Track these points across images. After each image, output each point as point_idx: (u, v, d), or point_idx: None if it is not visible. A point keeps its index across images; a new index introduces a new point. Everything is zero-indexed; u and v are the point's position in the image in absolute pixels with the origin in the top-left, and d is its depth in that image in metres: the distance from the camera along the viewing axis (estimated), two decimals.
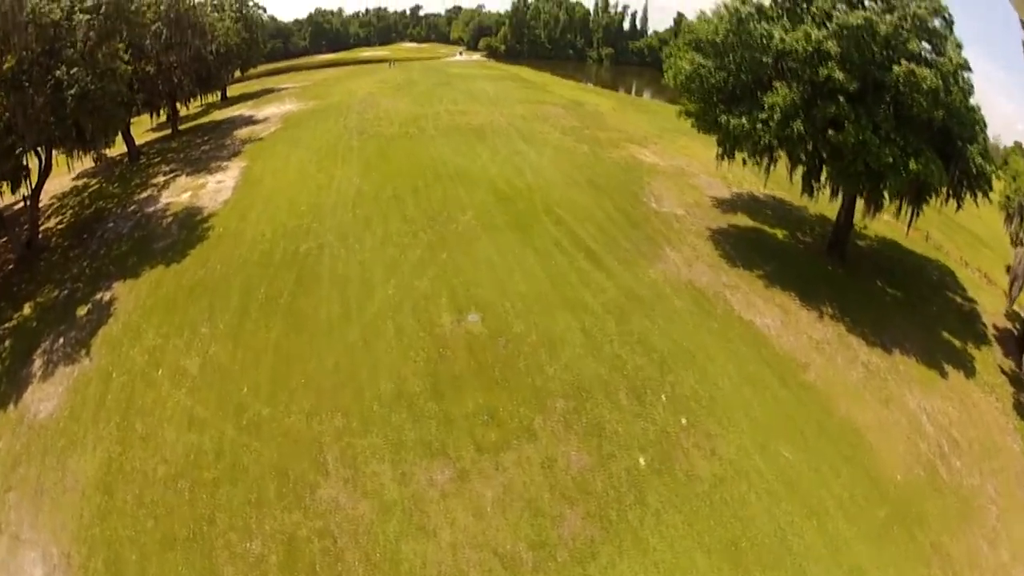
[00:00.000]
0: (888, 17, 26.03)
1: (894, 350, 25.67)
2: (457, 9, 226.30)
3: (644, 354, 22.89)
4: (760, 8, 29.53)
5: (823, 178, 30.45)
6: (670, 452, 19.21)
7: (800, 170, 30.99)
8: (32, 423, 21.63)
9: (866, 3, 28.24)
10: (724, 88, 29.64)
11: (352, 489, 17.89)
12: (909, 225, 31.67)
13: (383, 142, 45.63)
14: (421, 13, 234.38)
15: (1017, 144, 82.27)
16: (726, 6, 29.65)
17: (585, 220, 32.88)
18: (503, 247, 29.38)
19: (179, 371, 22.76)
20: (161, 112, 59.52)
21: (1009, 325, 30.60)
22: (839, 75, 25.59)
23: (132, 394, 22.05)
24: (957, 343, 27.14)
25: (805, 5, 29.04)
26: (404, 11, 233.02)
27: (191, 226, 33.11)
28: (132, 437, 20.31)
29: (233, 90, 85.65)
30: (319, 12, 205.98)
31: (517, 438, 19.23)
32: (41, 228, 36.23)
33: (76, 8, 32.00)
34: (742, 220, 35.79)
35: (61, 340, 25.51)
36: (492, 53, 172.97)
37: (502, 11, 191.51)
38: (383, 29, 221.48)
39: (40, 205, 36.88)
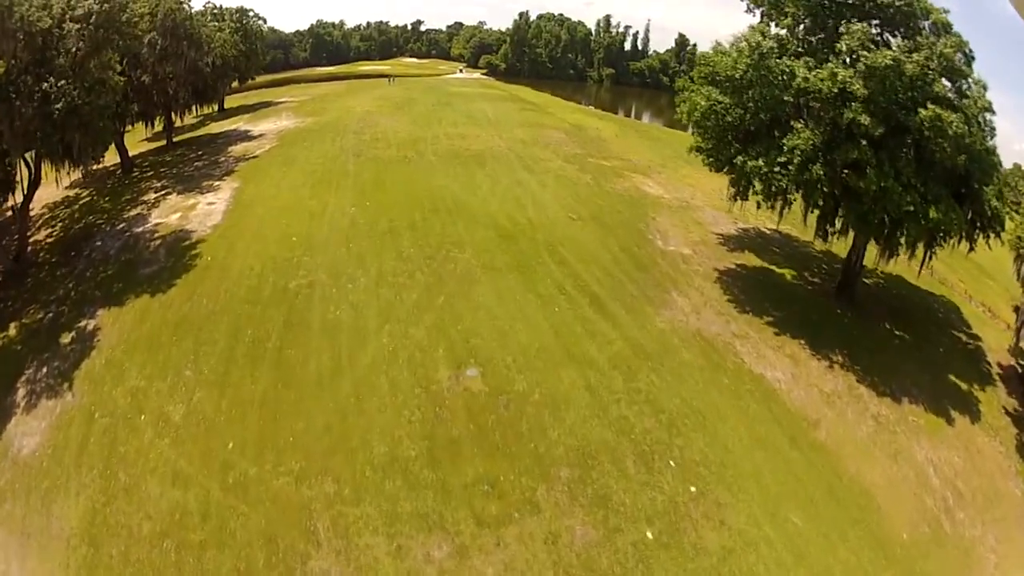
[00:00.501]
0: (915, 56, 25.11)
1: (903, 399, 25.28)
2: (458, 26, 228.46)
3: (652, 415, 21.98)
4: (781, 43, 28.43)
5: (838, 222, 29.56)
6: (678, 523, 18.36)
7: (814, 213, 30.10)
8: (16, 458, 20.84)
9: (889, 41, 27.42)
10: (740, 126, 28.56)
11: (345, 563, 16.84)
12: (921, 267, 31.14)
13: (380, 166, 44.71)
14: (422, 28, 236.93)
15: (1017, 166, 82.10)
16: (746, 39, 28.33)
17: (589, 261, 32.01)
18: (504, 292, 28.35)
19: (162, 418, 21.69)
20: (156, 122, 58.55)
21: (1013, 362, 30.51)
22: (865, 119, 24.58)
23: (115, 439, 21.03)
24: (963, 385, 26.94)
25: (826, 40, 28.02)
26: (406, 26, 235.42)
27: (179, 252, 31.97)
28: (115, 487, 19.36)
29: (231, 101, 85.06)
30: (320, 24, 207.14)
31: (519, 511, 18.21)
32: (30, 240, 35.19)
33: (67, 17, 30.80)
34: (749, 259, 35.19)
35: (45, 369, 24.60)
36: (492, 71, 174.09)
37: (503, 29, 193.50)
38: (384, 43, 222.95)
39: (31, 214, 36.01)
